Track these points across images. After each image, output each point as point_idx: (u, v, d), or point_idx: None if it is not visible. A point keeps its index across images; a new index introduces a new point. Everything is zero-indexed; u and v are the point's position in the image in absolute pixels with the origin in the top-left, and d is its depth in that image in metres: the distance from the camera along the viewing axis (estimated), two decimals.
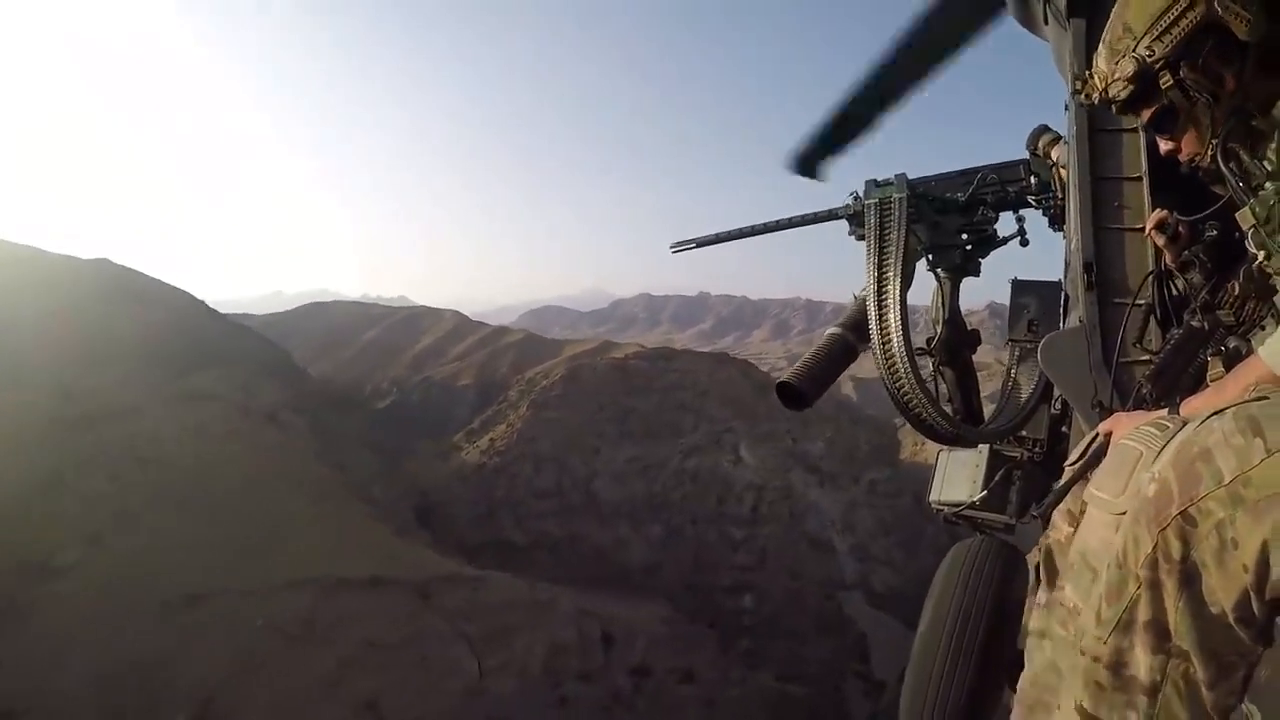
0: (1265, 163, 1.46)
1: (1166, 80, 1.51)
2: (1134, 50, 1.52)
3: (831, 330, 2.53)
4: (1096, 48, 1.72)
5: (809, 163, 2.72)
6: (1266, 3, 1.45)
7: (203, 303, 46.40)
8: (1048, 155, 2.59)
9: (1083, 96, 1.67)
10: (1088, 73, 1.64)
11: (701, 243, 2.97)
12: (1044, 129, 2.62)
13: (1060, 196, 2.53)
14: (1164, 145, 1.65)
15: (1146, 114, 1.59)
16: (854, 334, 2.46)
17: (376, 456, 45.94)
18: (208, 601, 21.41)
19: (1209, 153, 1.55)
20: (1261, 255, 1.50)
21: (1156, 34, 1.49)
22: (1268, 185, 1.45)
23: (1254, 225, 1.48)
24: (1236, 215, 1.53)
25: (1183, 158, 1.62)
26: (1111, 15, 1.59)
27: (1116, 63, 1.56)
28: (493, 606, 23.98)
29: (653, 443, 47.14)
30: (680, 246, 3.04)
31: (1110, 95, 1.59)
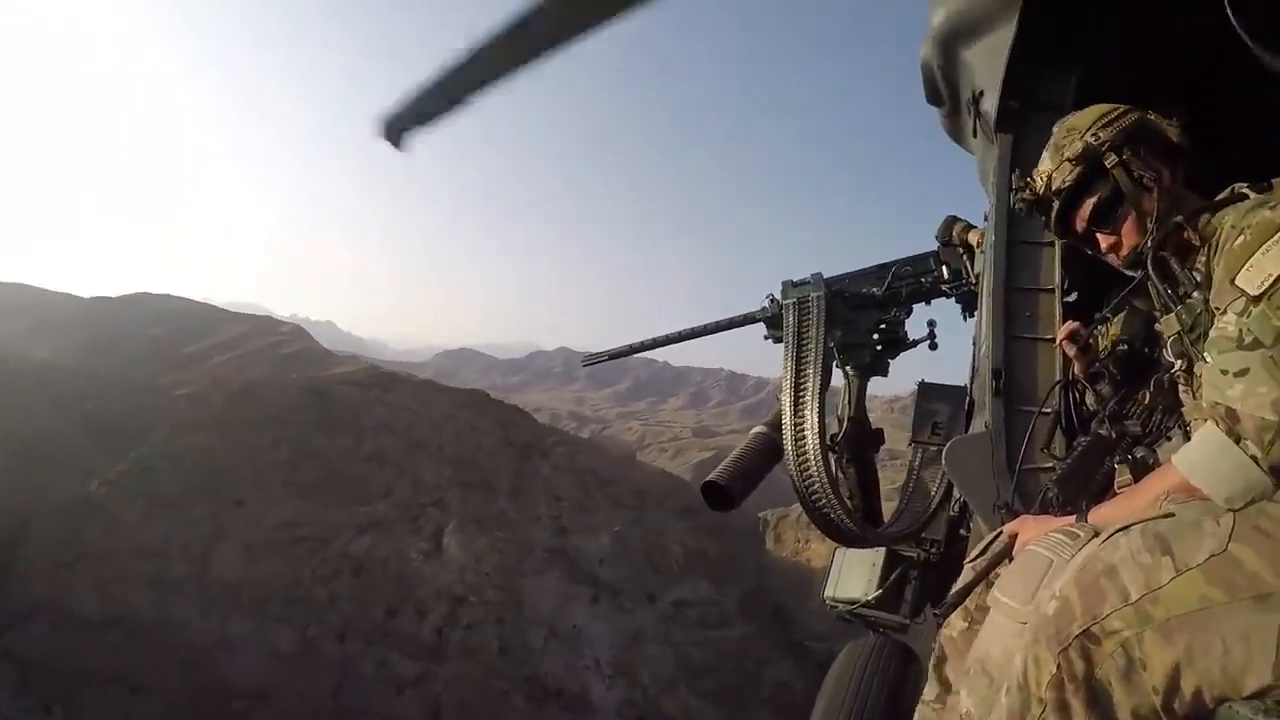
0: (1194, 273, 1.49)
1: (1112, 160, 1.58)
2: (1081, 138, 1.61)
3: (758, 429, 2.51)
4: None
5: (399, 129, 2.18)
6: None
7: None
8: (962, 242, 2.59)
9: (1020, 196, 1.70)
10: (1026, 179, 1.70)
11: (614, 355, 3.03)
12: (954, 219, 2.63)
13: (972, 280, 2.55)
14: (1104, 241, 1.65)
15: (1087, 208, 1.63)
16: (780, 433, 2.40)
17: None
18: None
19: (1149, 242, 1.56)
20: (1179, 364, 1.55)
21: (1100, 126, 1.60)
22: (1194, 295, 1.47)
23: (1178, 332, 1.51)
24: (1160, 322, 1.60)
25: (1123, 253, 1.63)
26: (1055, 129, 1.69)
27: (1063, 153, 1.63)
28: None
29: (324, 504, 32.21)
30: (592, 360, 3.12)
31: (1054, 187, 1.65)
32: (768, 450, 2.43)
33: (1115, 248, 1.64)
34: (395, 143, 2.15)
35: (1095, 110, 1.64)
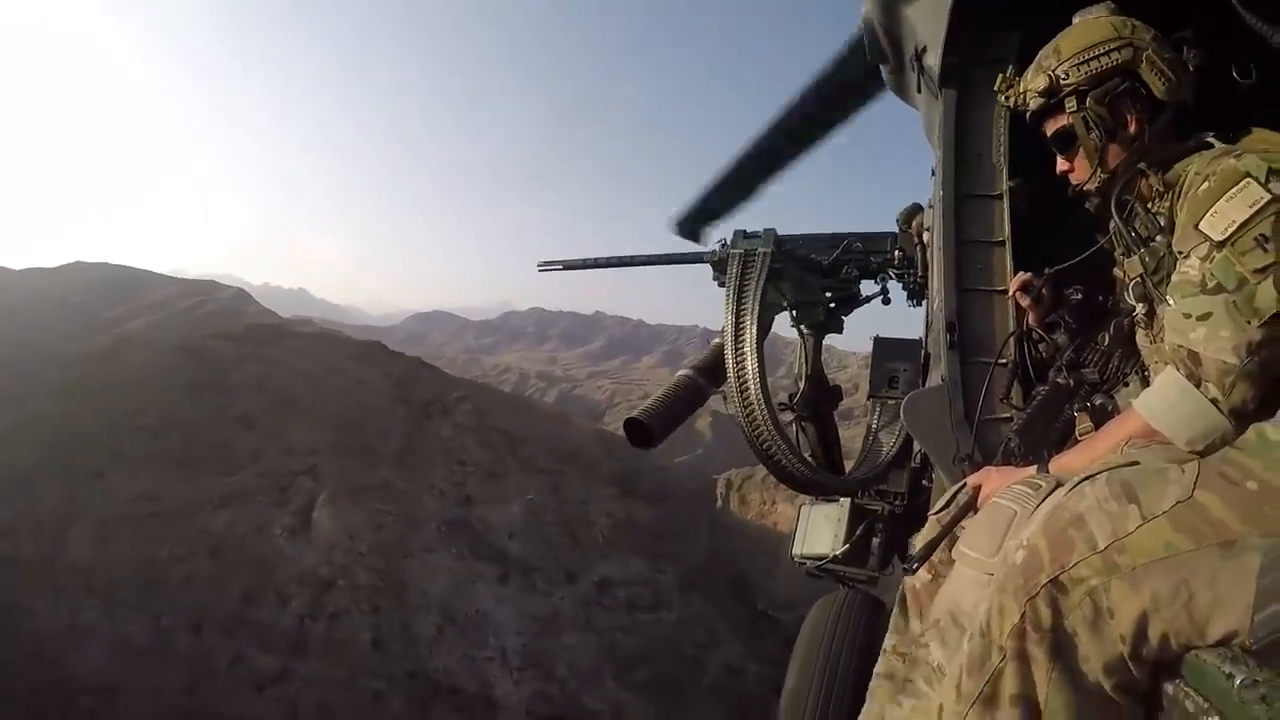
0: (1159, 217, 1.51)
1: (1071, 105, 1.60)
2: (1054, 69, 1.61)
3: (683, 372, 2.53)
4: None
5: (693, 226, 2.72)
6: (1202, 73, 1.53)
7: None
8: (919, 233, 2.64)
9: (1003, 95, 1.74)
10: (1016, 78, 1.71)
11: (569, 265, 2.99)
12: (918, 207, 2.68)
13: (923, 272, 2.61)
14: (1060, 164, 1.70)
15: (1050, 129, 1.66)
16: (704, 377, 2.47)
17: None
18: None
19: (1094, 184, 1.62)
20: (1141, 308, 1.57)
21: (1078, 62, 1.58)
22: (1158, 238, 1.50)
23: (1141, 274, 1.53)
24: (1124, 264, 1.61)
25: (1074, 179, 1.68)
26: (1055, 38, 1.66)
27: (1035, 77, 1.65)
28: None
29: (187, 475, 28.22)
30: (547, 266, 3.03)
31: (1023, 103, 1.68)
32: (691, 392, 2.44)
33: (1067, 173, 1.69)
34: (693, 237, 2.68)
35: (1088, 35, 1.59)
